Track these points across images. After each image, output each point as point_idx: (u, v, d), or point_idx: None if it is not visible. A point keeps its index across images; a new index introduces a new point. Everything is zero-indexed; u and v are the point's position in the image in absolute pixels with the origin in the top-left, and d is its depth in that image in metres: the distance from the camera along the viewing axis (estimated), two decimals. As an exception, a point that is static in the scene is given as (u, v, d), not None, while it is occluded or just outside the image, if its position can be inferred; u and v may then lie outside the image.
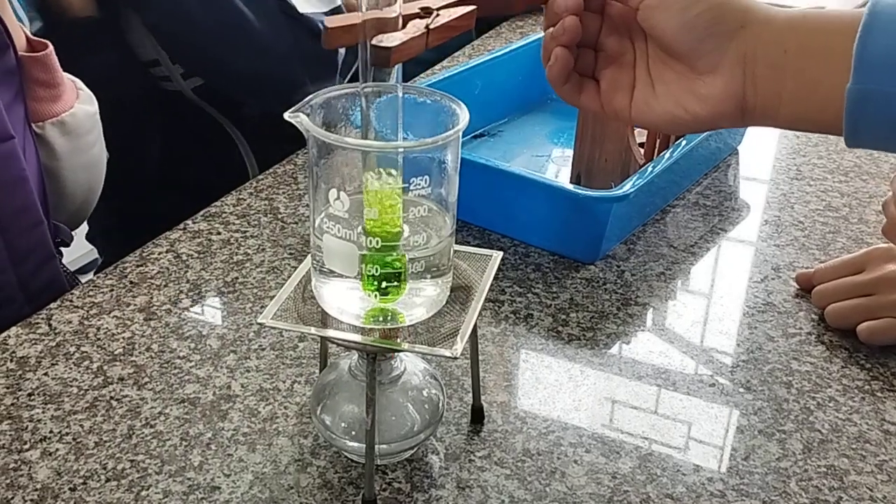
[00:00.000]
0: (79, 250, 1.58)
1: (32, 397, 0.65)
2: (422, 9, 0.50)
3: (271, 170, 0.97)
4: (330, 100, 0.52)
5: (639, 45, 0.54)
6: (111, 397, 0.65)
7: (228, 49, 1.00)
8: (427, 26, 0.48)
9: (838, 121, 0.47)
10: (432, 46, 0.50)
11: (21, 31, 0.81)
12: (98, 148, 0.91)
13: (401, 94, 0.51)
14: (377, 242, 0.50)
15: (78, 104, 0.86)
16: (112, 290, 0.77)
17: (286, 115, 0.50)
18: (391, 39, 0.47)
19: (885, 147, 0.49)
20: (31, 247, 0.80)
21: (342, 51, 1.08)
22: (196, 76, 1.08)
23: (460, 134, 0.51)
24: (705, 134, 0.90)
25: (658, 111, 0.53)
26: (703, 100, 0.51)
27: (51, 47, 0.82)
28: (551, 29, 0.53)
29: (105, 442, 0.61)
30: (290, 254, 0.82)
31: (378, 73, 0.49)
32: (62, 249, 0.88)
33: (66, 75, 0.86)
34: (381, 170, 0.50)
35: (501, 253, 0.60)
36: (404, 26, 0.48)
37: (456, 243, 0.56)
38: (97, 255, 1.26)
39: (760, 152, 1.05)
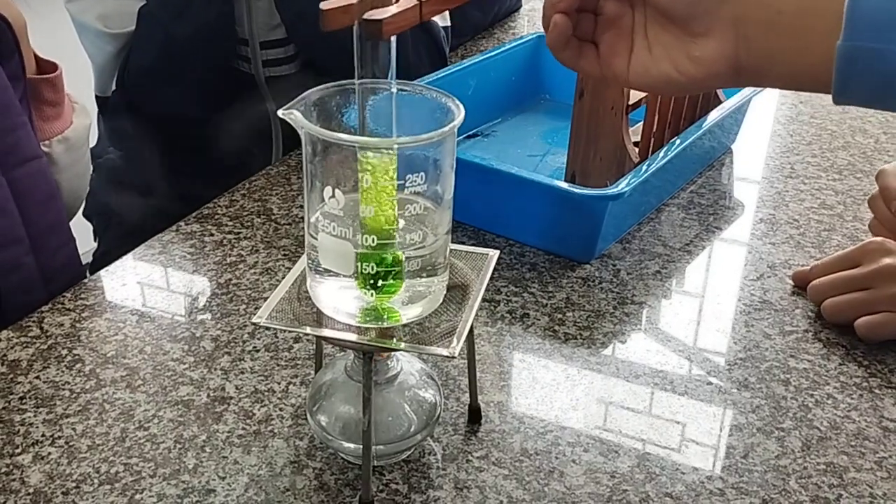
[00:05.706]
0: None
1: (24, 401, 0.64)
2: None
3: (264, 171, 0.96)
4: (324, 97, 0.52)
5: (637, 9, 0.55)
6: (104, 400, 0.64)
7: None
8: None
9: (829, 79, 0.48)
10: (427, 19, 0.50)
11: (31, 53, 0.81)
12: (88, 156, 0.90)
13: (394, 90, 0.51)
14: (373, 240, 0.50)
15: (75, 118, 0.85)
16: (104, 293, 0.76)
17: (280, 113, 0.49)
18: (382, 12, 0.47)
19: (870, 104, 0.50)
20: (62, 265, 0.79)
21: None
22: (293, 62, 1.09)
23: (456, 131, 0.50)
24: (700, 133, 0.90)
25: (654, 74, 0.54)
26: (696, 62, 0.52)
27: (60, 69, 0.81)
28: None
29: (98, 445, 0.60)
30: (284, 255, 0.81)
31: (374, 51, 0.49)
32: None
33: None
34: (376, 165, 0.50)
35: (498, 251, 0.60)
36: (398, 2, 0.49)
37: (451, 243, 0.56)
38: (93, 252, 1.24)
39: (754, 151, 1.05)
